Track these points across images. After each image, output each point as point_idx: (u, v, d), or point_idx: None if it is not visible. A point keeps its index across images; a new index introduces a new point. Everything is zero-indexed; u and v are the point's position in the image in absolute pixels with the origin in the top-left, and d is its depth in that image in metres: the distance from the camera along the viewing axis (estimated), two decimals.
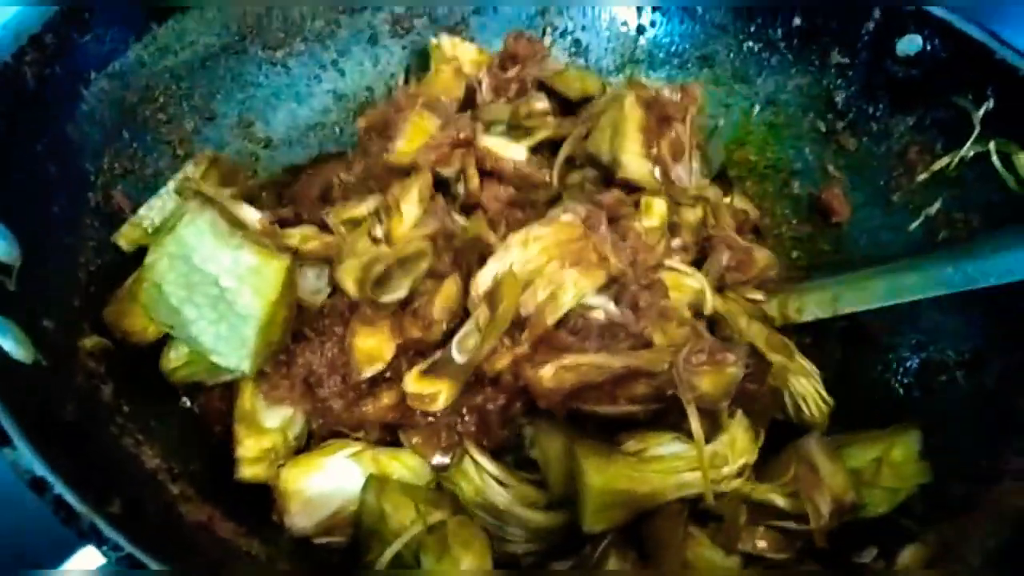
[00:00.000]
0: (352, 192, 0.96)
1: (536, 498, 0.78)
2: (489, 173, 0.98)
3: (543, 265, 0.81)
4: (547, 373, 0.77)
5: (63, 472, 0.54)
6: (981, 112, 0.99)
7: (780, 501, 0.77)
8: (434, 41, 1.15)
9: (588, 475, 0.72)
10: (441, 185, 0.95)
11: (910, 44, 1.06)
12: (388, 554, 0.70)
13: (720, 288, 0.99)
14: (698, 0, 1.18)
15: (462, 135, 0.95)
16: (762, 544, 0.74)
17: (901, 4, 1.04)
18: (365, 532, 0.75)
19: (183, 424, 0.80)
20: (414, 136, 0.93)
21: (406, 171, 0.92)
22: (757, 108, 1.18)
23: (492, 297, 0.79)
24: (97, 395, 0.73)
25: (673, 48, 1.22)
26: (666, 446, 0.78)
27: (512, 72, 1.08)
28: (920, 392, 0.91)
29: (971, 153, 1.00)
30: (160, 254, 0.74)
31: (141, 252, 0.83)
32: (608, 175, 0.97)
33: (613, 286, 0.85)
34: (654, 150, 0.96)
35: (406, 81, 1.20)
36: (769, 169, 1.18)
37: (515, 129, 1.03)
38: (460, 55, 1.13)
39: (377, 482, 0.77)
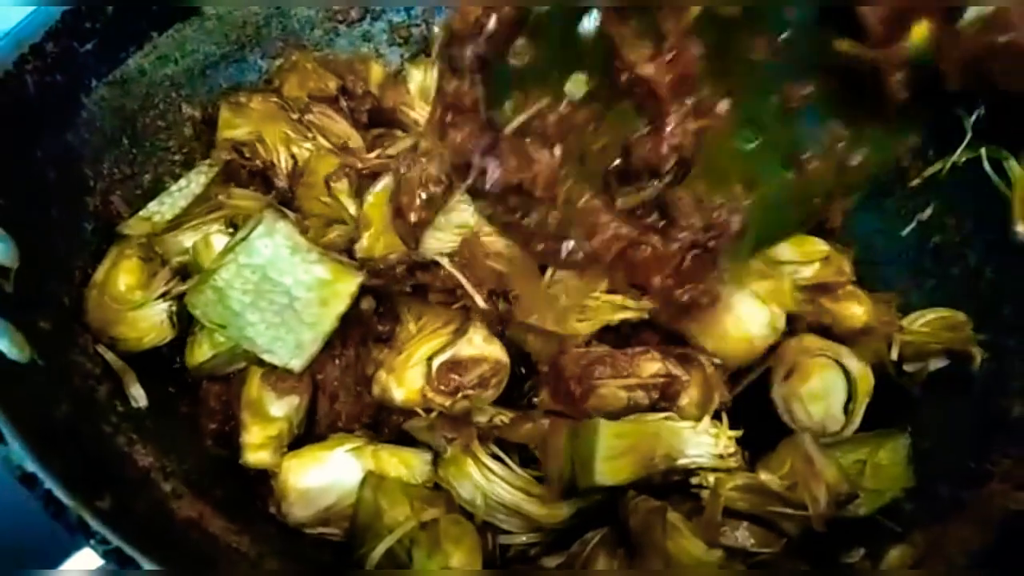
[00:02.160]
0: None
1: (538, 492, 0.79)
2: None
3: None
4: None
5: (53, 468, 0.55)
6: (972, 119, 1.00)
7: (776, 485, 0.78)
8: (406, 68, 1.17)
9: (600, 425, 0.75)
10: None
11: None
12: (380, 548, 0.71)
13: None
14: None
15: None
16: (746, 538, 0.75)
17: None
18: (360, 526, 0.76)
19: (177, 423, 0.81)
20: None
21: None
22: None
23: None
24: (92, 395, 0.74)
25: None
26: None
27: None
28: (908, 394, 0.91)
29: (963, 159, 1.00)
30: (228, 261, 0.79)
31: None
32: None
33: None
34: None
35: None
36: None
37: None
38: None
39: (374, 478, 0.78)
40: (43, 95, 0.85)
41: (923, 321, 0.93)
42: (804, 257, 0.93)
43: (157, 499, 0.69)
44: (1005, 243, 0.95)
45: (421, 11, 1.23)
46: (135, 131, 0.97)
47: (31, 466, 0.54)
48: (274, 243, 0.80)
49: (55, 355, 0.72)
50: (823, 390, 0.87)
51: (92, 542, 0.53)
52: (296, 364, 0.79)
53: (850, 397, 0.87)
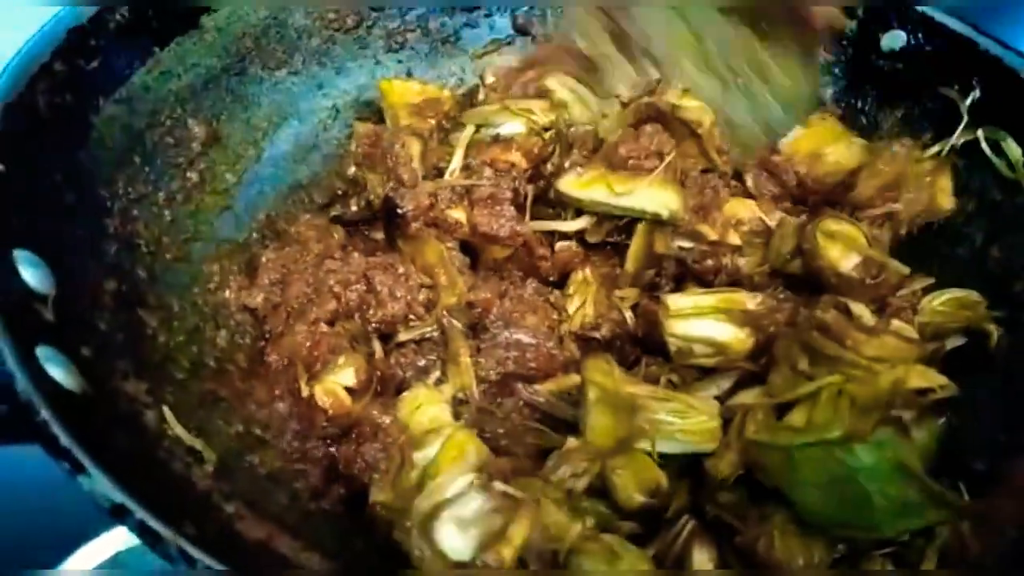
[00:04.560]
0: None
1: None
2: None
3: None
4: None
5: (140, 497, 0.54)
6: (968, 101, 1.03)
7: None
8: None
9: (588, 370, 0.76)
10: None
11: (894, 39, 1.10)
12: None
13: None
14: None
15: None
16: None
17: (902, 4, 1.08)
18: None
19: (227, 444, 0.79)
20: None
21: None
22: None
23: None
24: (142, 420, 0.72)
25: None
26: None
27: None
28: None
29: (960, 141, 1.04)
30: None
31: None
32: None
33: None
34: None
35: None
36: None
37: None
38: (407, 97, 1.13)
39: None
40: (55, 116, 0.83)
41: (939, 302, 0.94)
42: None
43: (224, 521, 0.67)
44: (1009, 222, 0.99)
45: (415, 16, 1.23)
46: (145, 149, 0.95)
47: (119, 497, 0.53)
48: None
49: (100, 382, 0.70)
50: None
51: (194, 569, 0.52)
52: None
53: None
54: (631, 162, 0.92)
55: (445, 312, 0.89)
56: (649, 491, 0.72)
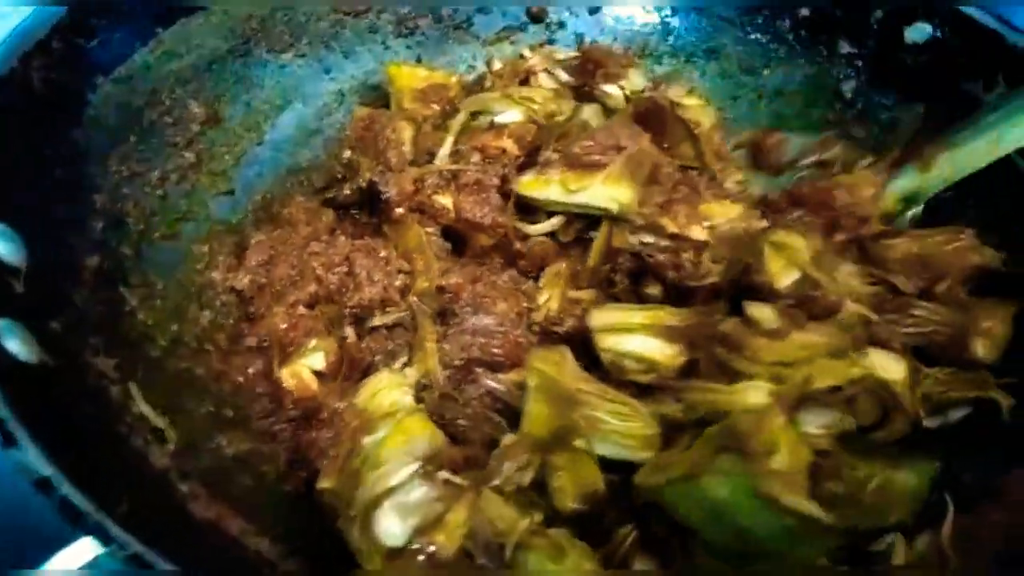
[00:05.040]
0: None
1: None
2: None
3: None
4: None
5: (69, 472, 0.54)
6: (992, 98, 0.98)
7: None
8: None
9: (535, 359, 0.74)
10: None
11: (919, 32, 1.05)
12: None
13: None
14: None
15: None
16: None
17: None
18: None
19: (192, 423, 0.80)
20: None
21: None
22: (765, 99, 1.17)
23: None
24: (106, 395, 0.73)
25: (679, 41, 1.21)
26: None
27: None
28: None
29: None
30: None
31: None
32: None
33: None
34: None
35: None
36: None
37: None
38: (414, 82, 1.12)
39: None
40: (49, 92, 0.84)
41: (943, 374, 0.84)
42: None
43: (174, 500, 0.67)
44: None
45: (427, 1, 1.21)
46: (142, 127, 0.96)
47: (46, 470, 0.53)
48: None
49: (67, 356, 0.71)
50: None
51: (112, 547, 0.51)
52: None
53: None
54: (591, 158, 0.89)
55: (415, 296, 0.87)
56: (585, 497, 0.70)
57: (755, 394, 0.68)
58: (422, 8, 1.20)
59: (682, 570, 0.67)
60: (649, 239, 0.87)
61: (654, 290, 0.89)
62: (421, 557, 0.60)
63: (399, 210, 0.92)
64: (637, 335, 0.79)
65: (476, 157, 0.94)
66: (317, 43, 1.15)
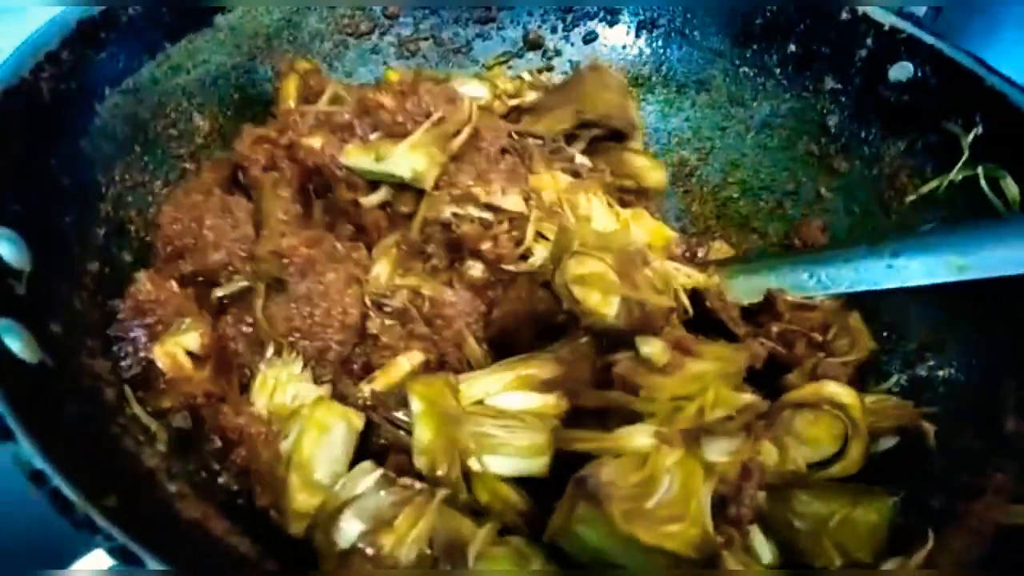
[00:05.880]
0: None
1: None
2: None
3: None
4: None
5: (61, 466, 0.56)
6: (970, 137, 1.01)
7: None
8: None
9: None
10: None
11: (902, 71, 1.09)
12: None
13: None
14: (695, 26, 1.22)
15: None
16: None
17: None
18: None
19: (184, 429, 0.82)
20: None
21: None
22: (752, 131, 1.21)
23: None
24: (101, 397, 0.75)
25: (670, 72, 1.25)
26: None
27: None
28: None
29: (960, 177, 1.02)
30: None
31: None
32: None
33: None
34: None
35: None
36: (763, 190, 1.20)
37: None
38: None
39: None
40: (58, 102, 0.87)
41: (870, 401, 0.88)
42: None
43: (162, 499, 0.70)
44: None
45: (429, 26, 1.25)
46: (147, 139, 0.99)
47: (39, 463, 0.56)
48: None
49: (65, 357, 0.74)
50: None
51: (99, 538, 0.54)
52: None
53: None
54: (401, 126, 0.89)
55: (254, 263, 0.87)
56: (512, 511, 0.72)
57: (639, 437, 0.69)
58: (423, 31, 1.25)
59: None
60: (459, 210, 0.86)
61: (475, 271, 0.88)
62: (367, 559, 0.62)
63: (253, 171, 0.94)
64: (513, 392, 0.77)
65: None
66: (320, 62, 1.18)
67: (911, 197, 1.07)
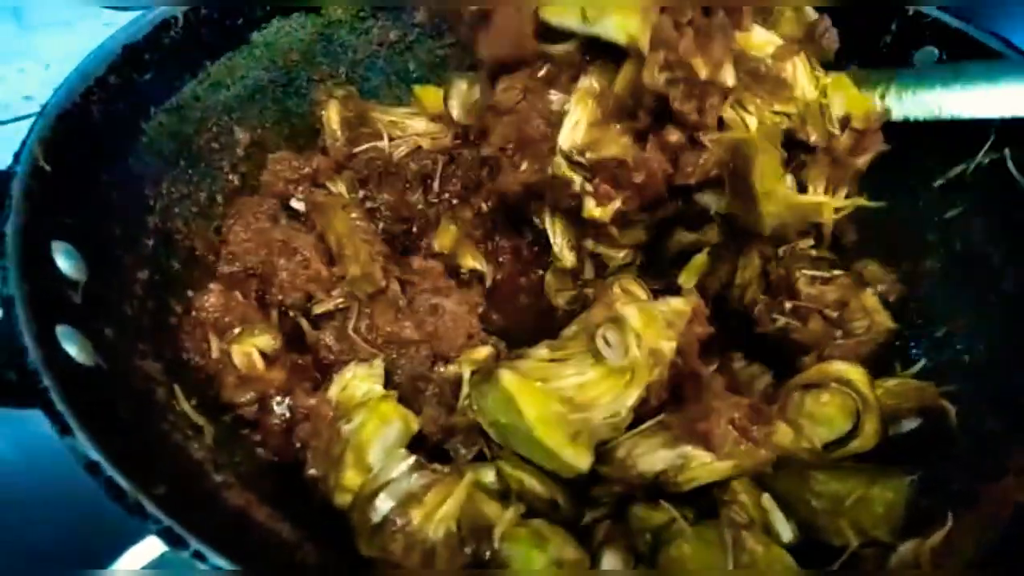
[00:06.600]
0: None
1: None
2: None
3: None
4: None
5: (114, 457, 0.62)
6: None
7: None
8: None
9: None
10: None
11: (927, 55, 1.08)
12: None
13: None
14: None
15: None
16: None
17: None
18: None
19: (231, 424, 0.88)
20: None
21: None
22: None
23: None
24: (152, 396, 0.81)
25: None
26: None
27: None
28: None
29: (986, 160, 1.01)
30: None
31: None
32: None
33: None
34: None
35: None
36: None
37: None
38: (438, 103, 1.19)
39: None
40: (107, 123, 0.93)
41: (891, 384, 0.91)
42: None
43: (208, 488, 0.75)
44: None
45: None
46: (191, 153, 1.05)
47: (94, 455, 0.61)
48: None
49: (118, 360, 0.80)
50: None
51: (148, 523, 0.59)
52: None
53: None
54: None
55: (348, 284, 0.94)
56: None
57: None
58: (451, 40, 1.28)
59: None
60: (674, 77, 0.81)
61: (673, 136, 0.85)
62: (397, 530, 0.66)
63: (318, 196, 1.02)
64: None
65: None
66: (352, 72, 1.23)
67: (939, 181, 1.07)
